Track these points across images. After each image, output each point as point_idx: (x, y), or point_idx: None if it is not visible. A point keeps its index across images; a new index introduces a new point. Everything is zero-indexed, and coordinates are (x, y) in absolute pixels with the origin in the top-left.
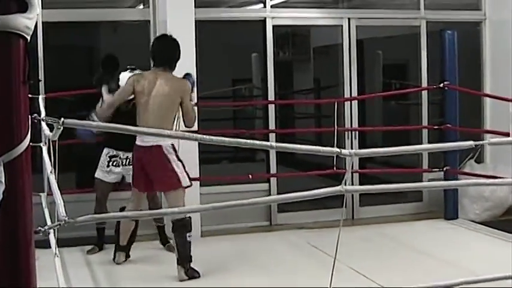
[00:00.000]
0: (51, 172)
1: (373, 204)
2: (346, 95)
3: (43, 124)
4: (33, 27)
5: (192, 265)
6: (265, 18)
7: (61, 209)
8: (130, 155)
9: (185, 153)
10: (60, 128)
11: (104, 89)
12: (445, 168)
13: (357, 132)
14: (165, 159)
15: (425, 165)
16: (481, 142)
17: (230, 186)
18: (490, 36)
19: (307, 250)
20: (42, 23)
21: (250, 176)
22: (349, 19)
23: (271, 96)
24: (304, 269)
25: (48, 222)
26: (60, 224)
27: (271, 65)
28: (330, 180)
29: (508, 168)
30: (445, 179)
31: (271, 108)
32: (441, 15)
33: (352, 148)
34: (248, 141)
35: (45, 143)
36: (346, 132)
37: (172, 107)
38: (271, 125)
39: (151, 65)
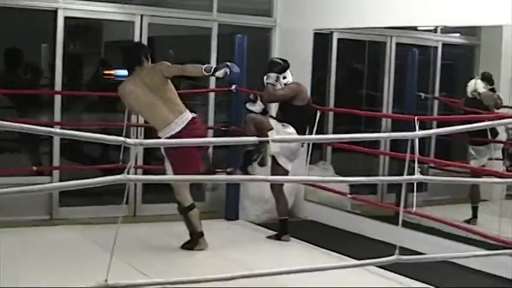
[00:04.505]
0: None
1: (155, 202)
2: None
3: None
4: None
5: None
6: (56, 9)
7: None
8: None
9: None
10: None
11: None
12: (228, 170)
13: (143, 128)
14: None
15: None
16: (265, 138)
17: (12, 178)
18: (279, 42)
19: (86, 245)
20: None
21: (34, 168)
22: (141, 16)
23: (58, 87)
24: (81, 264)
25: None
26: None
27: (60, 56)
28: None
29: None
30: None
31: (58, 99)
32: (233, 19)
33: None
34: (25, 125)
35: None
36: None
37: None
38: (57, 116)
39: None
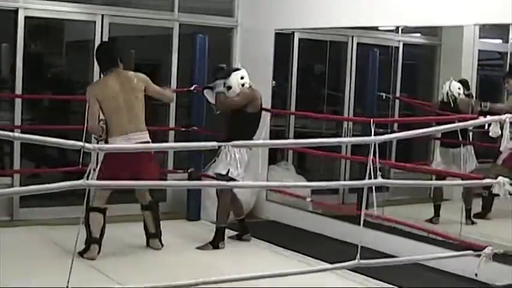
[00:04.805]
0: None
1: (117, 203)
2: None
3: None
4: None
5: None
6: (17, 8)
7: None
8: None
9: None
10: None
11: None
12: (189, 170)
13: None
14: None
15: (170, 167)
16: (227, 143)
17: None
18: (241, 42)
19: (48, 247)
20: None
21: None
22: (102, 15)
23: (18, 88)
24: (43, 266)
25: None
26: None
27: (20, 56)
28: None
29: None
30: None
31: (18, 102)
32: (195, 18)
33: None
34: None
35: None
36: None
37: (140, 100)
38: (17, 119)
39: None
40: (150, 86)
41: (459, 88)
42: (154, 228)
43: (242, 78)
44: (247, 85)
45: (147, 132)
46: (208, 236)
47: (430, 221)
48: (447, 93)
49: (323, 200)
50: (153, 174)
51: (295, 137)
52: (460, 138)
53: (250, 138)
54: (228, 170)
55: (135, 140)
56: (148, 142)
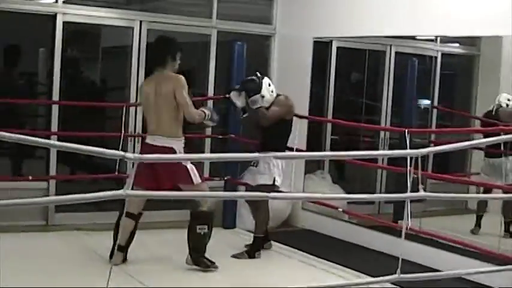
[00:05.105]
0: None
1: (154, 209)
2: (133, 97)
3: None
4: None
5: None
6: (55, 13)
7: None
8: None
9: None
10: None
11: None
12: (226, 178)
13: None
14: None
15: (206, 174)
16: (266, 155)
17: (8, 182)
18: (279, 49)
19: (83, 252)
20: None
21: (30, 178)
22: (140, 22)
23: (55, 93)
24: (79, 271)
25: None
26: None
27: (58, 61)
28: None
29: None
30: (225, 189)
31: (55, 107)
32: (233, 26)
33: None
34: (28, 137)
35: None
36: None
37: (169, 105)
38: (54, 125)
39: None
40: (177, 90)
41: (508, 100)
42: (188, 242)
43: (269, 85)
44: (274, 92)
45: (174, 137)
46: (241, 245)
47: (471, 231)
48: (497, 102)
49: (359, 209)
50: (175, 180)
51: (331, 145)
52: (503, 149)
53: (286, 144)
54: (274, 179)
55: (157, 143)
56: (171, 148)
